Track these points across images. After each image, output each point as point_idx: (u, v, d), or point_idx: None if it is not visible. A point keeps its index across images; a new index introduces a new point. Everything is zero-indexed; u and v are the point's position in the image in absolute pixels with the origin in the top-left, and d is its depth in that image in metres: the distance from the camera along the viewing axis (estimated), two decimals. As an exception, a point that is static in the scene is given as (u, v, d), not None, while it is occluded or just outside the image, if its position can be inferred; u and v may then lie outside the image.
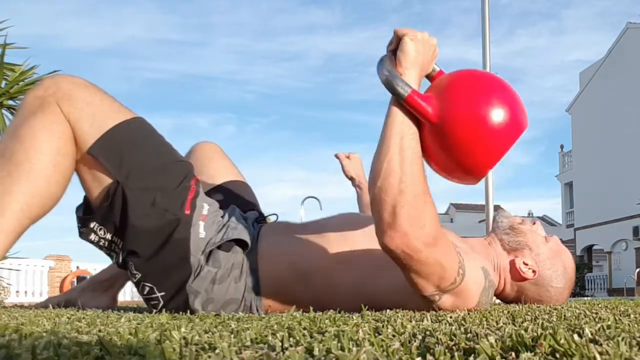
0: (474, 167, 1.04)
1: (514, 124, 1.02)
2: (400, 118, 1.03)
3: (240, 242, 1.22)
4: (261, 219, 1.41)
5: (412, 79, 1.03)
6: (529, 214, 33.10)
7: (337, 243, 1.24)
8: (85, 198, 1.21)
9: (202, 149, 1.61)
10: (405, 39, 1.04)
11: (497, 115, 1.00)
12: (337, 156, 1.95)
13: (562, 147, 23.04)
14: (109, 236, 1.18)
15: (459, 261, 1.09)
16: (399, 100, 1.02)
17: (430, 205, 1.02)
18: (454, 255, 1.08)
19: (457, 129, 1.00)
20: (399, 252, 1.00)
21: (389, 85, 1.02)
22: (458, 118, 1.00)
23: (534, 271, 1.32)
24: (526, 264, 1.32)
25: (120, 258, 1.19)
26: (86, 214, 1.20)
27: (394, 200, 0.99)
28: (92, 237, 1.20)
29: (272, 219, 1.47)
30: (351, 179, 1.92)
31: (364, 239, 1.24)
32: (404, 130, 1.02)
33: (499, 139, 1.01)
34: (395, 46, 1.06)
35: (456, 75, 1.07)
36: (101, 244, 1.20)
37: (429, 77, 1.12)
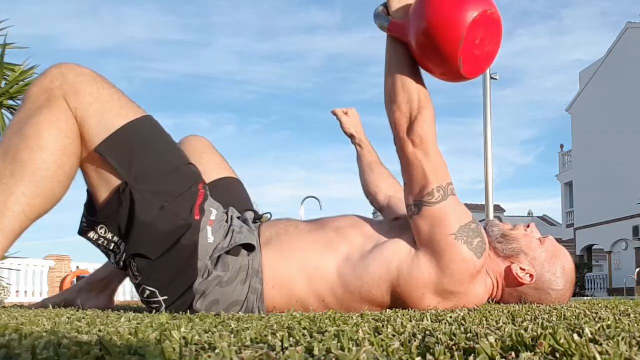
0: (446, 44, 1.14)
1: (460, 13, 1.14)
2: (393, 46, 1.26)
3: (246, 246, 1.22)
4: (257, 218, 1.40)
5: (397, 14, 1.24)
6: (529, 214, 33.09)
7: (337, 242, 1.24)
8: (89, 195, 1.19)
9: (192, 143, 1.58)
10: None
11: (452, 12, 1.13)
12: (334, 112, 1.81)
13: (562, 147, 23.04)
14: (110, 236, 1.17)
15: (446, 184, 1.21)
16: (389, 34, 1.26)
17: (424, 107, 1.21)
18: (442, 172, 1.22)
19: (424, 40, 1.16)
20: (396, 144, 1.24)
21: (379, 27, 1.28)
22: (421, 30, 1.17)
23: (531, 276, 1.31)
24: (523, 270, 1.31)
25: (121, 259, 1.18)
26: (89, 211, 1.19)
27: (390, 99, 1.25)
28: (92, 235, 1.18)
29: (266, 217, 1.47)
30: (351, 136, 1.77)
31: (365, 242, 1.24)
32: (398, 52, 1.25)
33: (452, 29, 1.13)
34: None
35: None
36: (100, 242, 1.18)
37: None
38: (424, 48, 1.19)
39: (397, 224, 1.32)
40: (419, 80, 1.24)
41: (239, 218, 1.31)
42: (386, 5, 1.29)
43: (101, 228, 1.17)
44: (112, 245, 1.18)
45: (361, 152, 1.75)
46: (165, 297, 1.18)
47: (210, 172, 1.53)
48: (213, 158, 1.59)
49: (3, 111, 3.37)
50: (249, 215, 1.37)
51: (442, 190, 1.20)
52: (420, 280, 1.18)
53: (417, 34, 1.19)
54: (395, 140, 1.24)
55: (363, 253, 1.22)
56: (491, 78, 3.53)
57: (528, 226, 1.40)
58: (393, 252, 1.21)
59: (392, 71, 1.24)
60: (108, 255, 1.23)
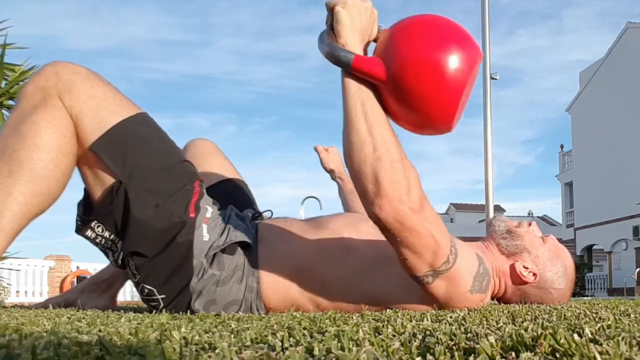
0: (439, 114, 1.02)
1: (465, 55, 1.00)
2: (355, 87, 1.02)
3: (242, 244, 1.22)
4: (257, 215, 1.40)
5: (354, 46, 1.02)
6: (529, 214, 33.09)
7: (334, 242, 1.24)
8: (86, 192, 1.20)
9: (197, 146, 1.60)
10: (336, 8, 1.03)
11: (446, 53, 0.98)
12: (315, 149, 1.94)
13: (562, 147, 23.03)
14: (107, 234, 1.17)
15: (451, 240, 1.09)
16: (347, 70, 1.01)
17: (411, 170, 1.02)
18: (445, 230, 1.08)
19: (408, 81, 0.99)
20: (390, 221, 1.00)
21: (332, 57, 1.00)
22: (406, 70, 0.98)
23: (534, 274, 1.31)
24: (526, 268, 1.31)
25: (119, 258, 1.18)
26: (86, 209, 1.19)
27: (373, 168, 0.99)
28: (89, 233, 1.18)
29: (267, 215, 1.46)
30: (330, 171, 1.91)
31: (361, 241, 1.24)
32: (363, 97, 1.02)
33: (454, 76, 0.99)
34: (331, 20, 1.05)
35: (394, 28, 1.05)
36: (97, 240, 1.18)
37: (376, 40, 1.09)
38: (408, 103, 1.01)
39: None
40: (392, 130, 1.04)
41: (237, 216, 1.31)
42: (331, 30, 1.04)
43: (98, 226, 1.17)
44: (110, 243, 1.18)
45: (342, 183, 1.86)
46: (163, 296, 1.18)
47: (215, 174, 1.54)
48: (218, 160, 1.60)
49: (3, 111, 3.37)
50: (248, 213, 1.36)
51: (454, 249, 1.09)
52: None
53: (402, 82, 0.99)
54: (382, 214, 1.00)
55: (363, 258, 1.21)
56: (491, 78, 3.53)
57: (530, 224, 1.40)
58: (401, 284, 1.16)
59: (368, 125, 1.00)
60: (106, 254, 1.23)
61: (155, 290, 1.18)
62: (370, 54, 1.07)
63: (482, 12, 3.20)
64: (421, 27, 1.03)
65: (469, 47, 1.01)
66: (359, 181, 1.01)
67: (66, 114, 1.11)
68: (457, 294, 1.13)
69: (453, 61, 0.98)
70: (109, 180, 1.14)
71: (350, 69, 1.00)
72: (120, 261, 1.19)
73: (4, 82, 3.42)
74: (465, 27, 1.06)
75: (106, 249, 1.20)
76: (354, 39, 1.03)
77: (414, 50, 0.99)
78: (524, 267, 1.31)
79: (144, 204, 1.13)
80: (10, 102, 3.40)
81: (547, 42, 43.93)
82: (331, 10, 1.04)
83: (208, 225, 1.20)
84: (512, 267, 1.32)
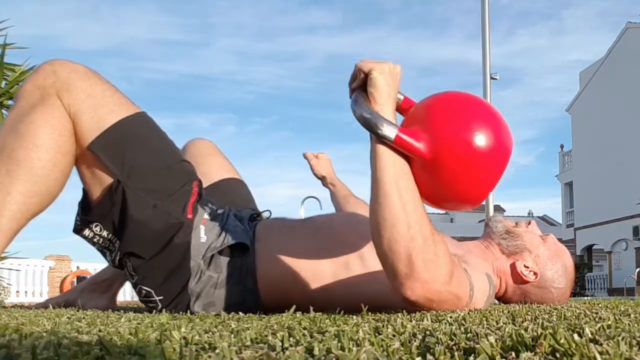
0: (472, 194, 1.01)
1: (504, 144, 0.99)
2: (391, 160, 0.97)
3: (239, 245, 1.21)
4: (255, 215, 1.40)
5: (389, 115, 0.98)
6: (529, 213, 33.09)
7: (332, 243, 1.23)
8: (85, 192, 1.19)
9: (197, 146, 1.60)
10: (374, 74, 0.99)
11: (489, 139, 0.97)
12: (305, 156, 1.92)
13: (562, 147, 23.03)
14: (105, 234, 1.16)
15: (470, 282, 1.07)
16: (384, 141, 0.97)
17: (441, 244, 0.97)
18: (466, 281, 1.06)
19: (452, 160, 0.96)
20: (421, 301, 0.96)
21: (372, 128, 0.96)
22: (452, 148, 0.96)
23: (535, 273, 1.32)
24: (527, 267, 1.31)
25: (116, 258, 1.18)
26: (85, 208, 1.19)
27: (407, 249, 0.93)
28: (87, 232, 1.18)
29: (265, 215, 1.46)
30: (322, 178, 1.88)
31: (358, 240, 1.23)
32: (398, 173, 0.96)
33: (495, 162, 0.98)
34: (362, 82, 1.01)
35: (434, 102, 1.02)
36: (95, 240, 1.18)
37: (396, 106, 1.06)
38: (444, 182, 0.98)
39: None
40: (424, 207, 1.01)
41: (235, 216, 1.31)
42: (364, 92, 1.00)
43: (96, 226, 1.16)
44: (108, 243, 1.18)
45: (334, 189, 1.84)
46: (161, 297, 1.18)
47: (214, 173, 1.54)
48: (217, 160, 1.60)
49: (3, 111, 3.37)
50: (246, 213, 1.36)
51: (472, 292, 1.07)
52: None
53: (444, 164, 0.95)
54: (413, 295, 0.95)
55: (361, 258, 1.20)
56: (491, 78, 3.53)
57: (529, 223, 1.40)
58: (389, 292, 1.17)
59: (402, 202, 0.94)
60: (104, 254, 1.22)
61: (152, 291, 1.18)
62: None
63: (482, 12, 3.20)
64: (464, 107, 1.01)
65: (508, 137, 1.01)
66: (389, 260, 0.95)
67: (64, 113, 1.10)
68: None
69: (497, 149, 0.97)
70: (107, 179, 1.14)
71: (392, 143, 0.96)
72: (117, 261, 1.18)
73: (4, 82, 3.43)
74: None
75: (104, 248, 1.20)
76: (389, 108, 0.99)
77: (462, 132, 0.96)
78: (525, 266, 1.31)
79: (142, 204, 1.13)
80: (10, 102, 3.40)
81: (547, 42, 43.96)
82: (364, 74, 1.01)
83: (206, 227, 1.20)
84: (513, 267, 1.32)
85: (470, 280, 1.08)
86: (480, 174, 0.98)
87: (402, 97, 1.07)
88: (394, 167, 0.97)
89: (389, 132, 0.95)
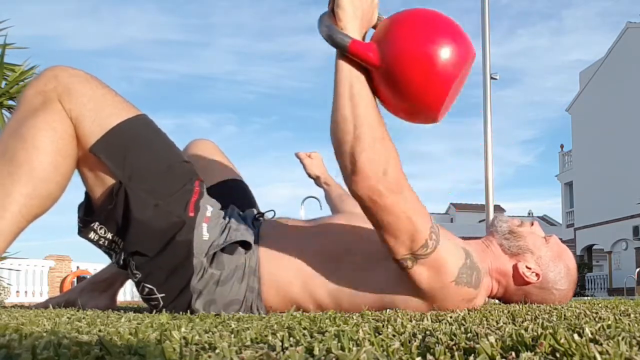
0: (427, 103, 1.05)
1: (457, 51, 1.04)
2: (346, 68, 1.05)
3: (242, 243, 1.22)
4: (259, 216, 1.40)
5: (354, 32, 1.04)
6: (529, 213, 33.08)
7: (335, 243, 1.24)
8: (87, 195, 1.20)
9: (199, 147, 1.60)
10: None
11: (440, 46, 1.02)
12: (297, 155, 1.90)
13: (562, 147, 23.04)
14: (109, 235, 1.17)
15: (432, 226, 1.10)
16: (342, 52, 1.04)
17: (392, 151, 1.04)
18: (426, 215, 1.09)
19: (401, 68, 1.02)
20: (364, 198, 1.04)
21: (330, 39, 1.04)
22: (400, 57, 1.02)
23: (537, 275, 1.31)
24: (529, 268, 1.31)
25: (121, 258, 1.18)
26: (88, 211, 1.19)
27: (351, 147, 1.02)
28: (92, 235, 1.19)
29: (269, 215, 1.46)
30: (316, 177, 1.86)
31: (362, 241, 1.24)
32: (352, 79, 1.04)
33: (444, 69, 1.02)
34: (332, 4, 1.07)
35: (393, 17, 1.09)
36: (100, 242, 1.19)
37: (375, 27, 1.12)
38: (398, 89, 1.04)
39: None
40: (378, 111, 1.07)
41: (239, 215, 1.31)
42: (332, 13, 1.07)
43: (100, 228, 1.18)
44: (113, 244, 1.19)
45: (328, 189, 1.83)
46: (163, 295, 1.19)
47: (216, 173, 1.54)
48: (219, 160, 1.60)
49: (3, 111, 3.38)
50: (249, 213, 1.36)
51: (434, 235, 1.10)
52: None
53: (394, 69, 1.02)
54: (358, 190, 1.04)
55: (365, 258, 1.21)
56: (491, 78, 3.53)
57: (532, 224, 1.40)
58: (389, 285, 1.18)
59: (353, 105, 1.03)
60: (109, 255, 1.24)
61: (155, 289, 1.18)
62: (368, 40, 1.10)
63: (482, 12, 3.20)
64: (419, 19, 1.07)
65: (463, 44, 1.06)
66: (338, 158, 1.05)
67: (66, 117, 1.12)
68: (442, 283, 1.12)
69: (445, 54, 1.02)
70: (109, 181, 1.15)
71: (346, 52, 1.04)
72: (122, 261, 1.19)
73: (4, 82, 3.43)
74: (465, 27, 1.09)
75: (109, 250, 1.21)
76: (353, 25, 1.05)
77: (410, 40, 1.03)
78: (527, 267, 1.31)
79: (144, 204, 1.14)
80: (10, 102, 3.41)
81: (547, 42, 44.00)
82: None
83: (208, 225, 1.20)
84: (515, 268, 1.31)
85: (436, 229, 1.11)
86: (428, 78, 1.03)
87: (382, 18, 1.12)
88: (349, 73, 1.05)
89: (343, 41, 1.03)
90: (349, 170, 1.03)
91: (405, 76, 1.03)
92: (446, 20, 1.08)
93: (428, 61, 1.02)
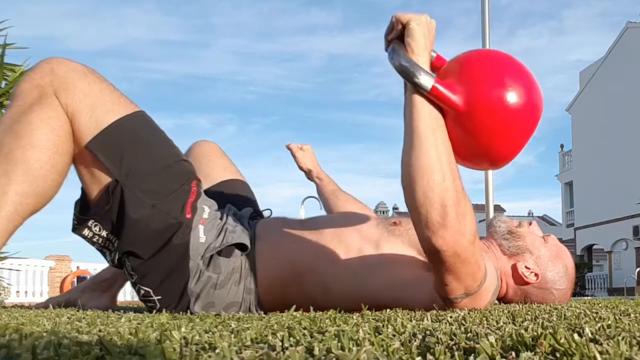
0: (501, 151, 1.02)
1: (535, 103, 1.01)
2: (427, 110, 0.99)
3: (239, 245, 1.21)
4: (255, 214, 1.39)
5: (425, 64, 1.00)
6: (529, 213, 33.09)
7: (332, 243, 1.23)
8: (83, 191, 1.19)
9: (201, 148, 1.60)
10: (412, 24, 1.01)
11: (522, 96, 0.98)
12: (289, 147, 1.84)
13: (562, 146, 23.02)
14: (104, 233, 1.16)
15: (484, 264, 1.08)
16: (421, 91, 0.98)
17: (469, 201, 1.00)
18: (482, 259, 1.07)
19: (485, 114, 0.97)
20: (449, 253, 0.98)
21: (410, 77, 0.98)
22: (486, 102, 0.97)
23: (536, 275, 1.31)
24: (528, 268, 1.31)
25: (115, 257, 1.17)
26: (83, 208, 1.18)
27: (441, 198, 0.95)
28: (86, 232, 1.17)
29: (266, 214, 1.46)
30: (307, 171, 1.81)
31: (359, 239, 1.23)
32: (434, 123, 0.98)
33: (526, 120, 1.00)
34: (399, 34, 1.03)
35: (470, 57, 1.04)
36: (94, 240, 1.18)
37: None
38: (476, 136, 0.98)
39: (396, 230, 1.26)
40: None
41: (235, 215, 1.30)
42: (401, 42, 1.02)
43: (95, 225, 1.16)
44: (107, 242, 1.17)
45: (321, 183, 1.78)
46: (159, 297, 1.18)
47: (217, 174, 1.54)
48: (221, 161, 1.59)
49: (3, 111, 3.37)
50: (246, 212, 1.36)
51: (486, 269, 1.09)
52: (431, 305, 1.13)
53: (477, 117, 0.96)
54: (443, 245, 0.96)
55: (362, 259, 1.20)
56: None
57: (530, 224, 1.40)
58: (389, 286, 1.16)
59: (438, 153, 0.96)
60: (103, 253, 1.22)
61: (151, 291, 1.17)
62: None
63: (482, 12, 3.20)
64: (500, 63, 1.02)
65: (539, 98, 1.02)
66: (422, 209, 0.96)
67: (62, 113, 1.10)
68: (475, 306, 1.11)
69: (530, 107, 0.99)
70: (106, 179, 1.13)
71: (428, 93, 0.98)
72: (116, 261, 1.18)
73: (4, 82, 3.43)
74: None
75: (103, 248, 1.20)
76: (424, 58, 1.01)
77: (497, 87, 0.98)
78: (526, 267, 1.31)
79: (140, 204, 1.13)
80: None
81: (547, 42, 44.00)
82: (402, 25, 1.03)
83: (205, 227, 1.19)
84: (514, 268, 1.32)
85: (485, 264, 1.08)
86: (511, 130, 0.99)
87: (434, 55, 1.09)
88: (430, 117, 0.98)
89: (426, 81, 0.97)
90: (437, 224, 0.95)
91: (489, 122, 0.98)
92: (524, 67, 1.03)
93: (514, 109, 0.97)
